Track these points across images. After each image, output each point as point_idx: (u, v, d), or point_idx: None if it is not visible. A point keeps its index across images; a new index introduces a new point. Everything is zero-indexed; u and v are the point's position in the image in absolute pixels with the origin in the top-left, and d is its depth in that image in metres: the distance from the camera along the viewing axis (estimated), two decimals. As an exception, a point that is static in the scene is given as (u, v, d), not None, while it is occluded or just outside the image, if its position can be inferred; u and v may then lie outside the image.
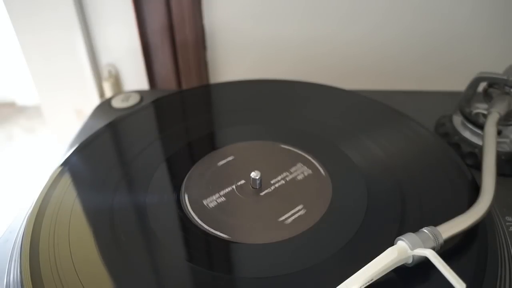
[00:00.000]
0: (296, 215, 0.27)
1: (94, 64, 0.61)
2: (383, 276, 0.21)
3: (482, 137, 0.31)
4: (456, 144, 0.35)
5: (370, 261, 0.21)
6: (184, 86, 0.60)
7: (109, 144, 0.35)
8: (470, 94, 0.36)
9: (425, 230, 0.22)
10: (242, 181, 0.30)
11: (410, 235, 0.22)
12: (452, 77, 0.53)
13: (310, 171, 0.31)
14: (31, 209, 0.28)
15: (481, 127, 0.34)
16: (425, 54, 0.55)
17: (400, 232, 0.23)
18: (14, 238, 0.28)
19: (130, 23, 0.55)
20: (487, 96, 0.36)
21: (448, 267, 0.20)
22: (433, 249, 0.21)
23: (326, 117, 0.37)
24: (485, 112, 0.35)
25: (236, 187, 0.30)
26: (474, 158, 0.34)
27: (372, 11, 0.52)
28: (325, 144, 0.34)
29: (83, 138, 0.35)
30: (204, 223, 0.27)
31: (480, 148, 0.32)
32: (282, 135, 0.35)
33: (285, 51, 0.57)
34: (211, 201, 0.29)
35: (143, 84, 0.61)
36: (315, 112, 0.38)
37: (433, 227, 0.22)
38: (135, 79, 0.62)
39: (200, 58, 0.58)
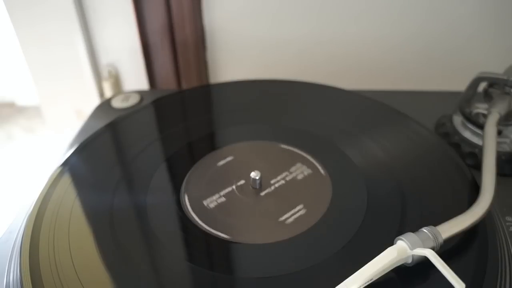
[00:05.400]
0: (296, 215, 0.27)
1: (94, 64, 0.61)
2: (382, 276, 0.21)
3: (482, 137, 0.31)
4: (456, 144, 0.35)
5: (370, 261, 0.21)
6: (184, 86, 0.60)
7: (109, 144, 0.35)
8: (470, 94, 0.36)
9: (424, 230, 0.22)
10: (242, 181, 0.30)
11: (409, 234, 0.22)
12: (452, 77, 0.53)
13: (310, 171, 0.31)
14: (31, 209, 0.28)
15: (481, 127, 0.34)
16: (425, 54, 0.55)
17: (400, 232, 0.23)
18: (14, 238, 0.28)
19: (130, 23, 0.55)
20: (487, 96, 0.36)
21: (447, 267, 0.20)
22: (433, 249, 0.21)
23: (326, 117, 0.37)
24: (485, 112, 0.35)
25: (236, 187, 0.30)
26: (474, 158, 0.34)
27: (372, 11, 0.52)
28: (325, 144, 0.34)
29: (83, 138, 0.35)
30: (204, 223, 0.27)
31: (480, 148, 0.32)
32: (282, 135, 0.35)
33: (285, 51, 0.57)
34: (211, 201, 0.29)
35: (143, 84, 0.61)
36: (315, 112, 0.38)
37: (432, 226, 0.22)
38: (135, 79, 0.62)
39: (200, 58, 0.58)
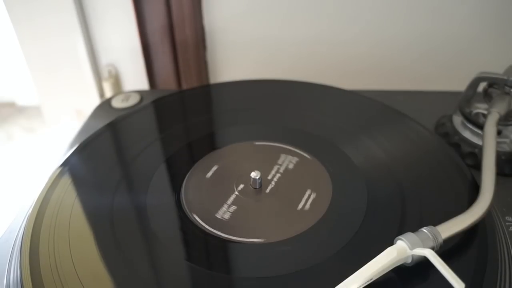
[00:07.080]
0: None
1: (94, 64, 0.61)
2: (382, 276, 0.21)
3: (482, 137, 0.31)
4: (456, 144, 0.35)
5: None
6: (184, 86, 0.60)
7: (109, 144, 0.35)
8: (470, 94, 0.36)
9: (424, 230, 0.22)
10: (242, 181, 0.30)
11: (409, 234, 0.22)
12: (452, 77, 0.53)
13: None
14: (31, 209, 0.28)
15: (481, 127, 0.34)
16: (425, 54, 0.55)
17: (400, 232, 0.23)
18: (14, 238, 0.28)
19: (130, 23, 0.55)
20: (487, 96, 0.36)
21: (447, 267, 0.20)
22: (433, 249, 0.21)
23: (326, 117, 0.37)
24: (485, 112, 0.35)
25: (236, 186, 0.30)
26: (474, 158, 0.34)
27: (372, 11, 0.52)
28: (325, 144, 0.34)
29: (83, 138, 0.35)
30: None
31: (480, 148, 0.32)
32: (282, 135, 0.35)
33: (285, 51, 0.57)
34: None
35: (143, 84, 0.61)
36: (315, 112, 0.38)
37: (432, 226, 0.22)
38: (135, 79, 0.62)
39: (200, 58, 0.58)
